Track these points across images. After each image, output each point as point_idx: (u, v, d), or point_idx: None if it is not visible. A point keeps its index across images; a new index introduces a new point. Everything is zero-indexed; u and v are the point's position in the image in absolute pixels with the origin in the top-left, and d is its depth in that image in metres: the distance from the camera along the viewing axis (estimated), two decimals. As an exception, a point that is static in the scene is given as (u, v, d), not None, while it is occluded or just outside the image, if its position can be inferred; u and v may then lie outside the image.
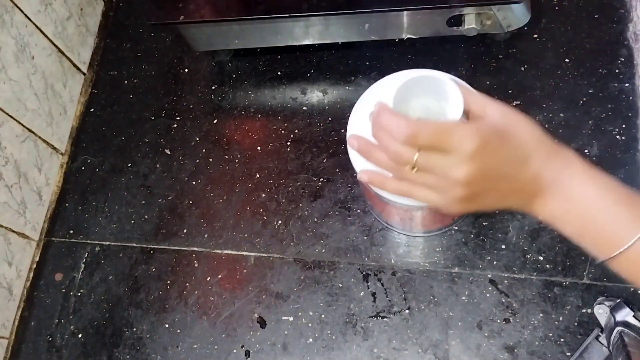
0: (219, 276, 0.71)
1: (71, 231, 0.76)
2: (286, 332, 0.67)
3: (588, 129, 0.70)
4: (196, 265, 0.72)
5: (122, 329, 0.70)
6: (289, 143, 0.76)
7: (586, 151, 0.69)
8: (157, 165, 0.78)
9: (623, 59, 0.73)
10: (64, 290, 0.73)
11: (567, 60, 0.74)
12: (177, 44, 0.85)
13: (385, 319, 0.66)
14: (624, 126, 0.70)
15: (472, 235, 0.68)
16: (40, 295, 0.73)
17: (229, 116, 0.79)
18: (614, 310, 0.58)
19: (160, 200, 0.76)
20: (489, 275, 0.66)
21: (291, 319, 0.67)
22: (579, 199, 0.41)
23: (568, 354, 0.61)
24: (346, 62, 0.79)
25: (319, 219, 0.71)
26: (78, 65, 0.83)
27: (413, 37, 0.71)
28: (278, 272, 0.70)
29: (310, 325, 0.67)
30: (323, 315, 0.67)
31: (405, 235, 0.69)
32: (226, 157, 0.77)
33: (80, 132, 0.82)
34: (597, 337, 0.59)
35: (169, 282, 0.71)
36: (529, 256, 0.66)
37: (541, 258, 0.65)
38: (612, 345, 0.56)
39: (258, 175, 0.75)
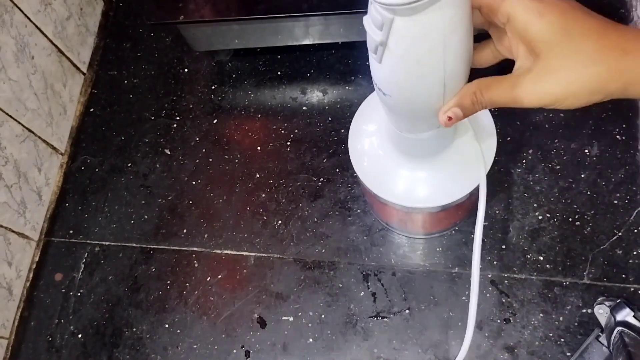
0: (219, 276, 0.71)
1: (71, 231, 0.76)
2: (286, 332, 0.67)
3: (588, 129, 0.70)
4: (196, 265, 0.72)
5: (122, 329, 0.70)
6: (289, 143, 0.76)
7: (586, 151, 0.69)
8: (157, 165, 0.78)
9: (623, 59, 0.73)
10: (63, 290, 0.73)
11: (567, 60, 0.74)
12: (177, 44, 0.85)
13: (385, 319, 0.66)
14: (624, 126, 0.70)
15: (472, 236, 0.67)
16: (40, 295, 0.73)
17: (229, 116, 0.79)
18: (614, 310, 0.58)
19: (160, 200, 0.76)
20: (489, 275, 0.66)
21: (291, 319, 0.67)
22: None
23: (568, 354, 0.61)
24: (346, 62, 0.79)
25: (319, 219, 0.71)
26: (78, 65, 0.83)
27: (413, 37, 0.70)
28: (278, 272, 0.70)
29: (310, 325, 0.67)
30: (323, 315, 0.67)
31: (405, 236, 0.69)
32: (226, 157, 0.77)
33: (80, 132, 0.82)
34: (597, 337, 0.59)
35: (169, 282, 0.71)
36: (529, 256, 0.66)
37: (541, 258, 0.65)
38: (612, 346, 0.56)
39: (258, 175, 0.75)
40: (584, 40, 0.32)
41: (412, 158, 0.53)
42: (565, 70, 0.33)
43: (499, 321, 0.64)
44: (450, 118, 0.39)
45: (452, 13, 0.33)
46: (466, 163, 0.53)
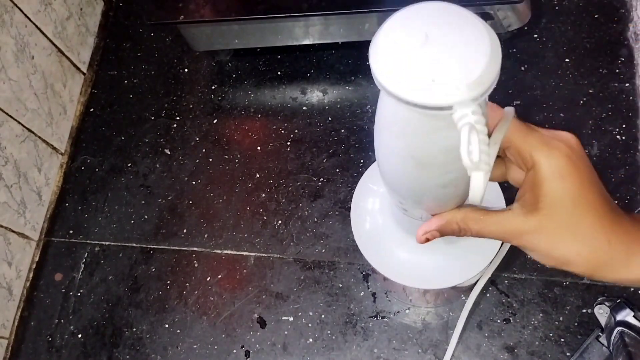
0: (219, 276, 0.71)
1: (71, 231, 0.76)
2: (286, 332, 0.67)
3: (588, 129, 0.70)
4: (196, 265, 0.72)
5: (122, 329, 0.70)
6: (289, 143, 0.76)
7: (586, 151, 0.69)
8: (157, 165, 0.78)
9: (623, 59, 0.73)
10: (63, 290, 0.73)
11: (567, 60, 0.74)
12: (177, 44, 0.85)
13: (385, 319, 0.66)
14: (624, 126, 0.70)
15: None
16: (40, 295, 0.73)
17: (229, 116, 0.79)
18: (614, 310, 0.58)
19: (160, 200, 0.76)
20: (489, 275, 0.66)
21: (291, 319, 0.67)
22: None
23: (568, 354, 0.61)
24: (346, 62, 0.79)
25: (319, 219, 0.71)
26: (78, 65, 0.83)
27: (413, 37, 0.70)
28: (278, 272, 0.70)
29: (310, 325, 0.67)
30: (323, 315, 0.67)
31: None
32: (226, 157, 0.77)
33: (80, 132, 0.82)
34: (597, 337, 0.59)
35: (168, 282, 0.71)
36: (529, 256, 0.65)
37: (541, 258, 0.65)
38: (612, 346, 0.56)
39: (258, 175, 0.75)
40: (586, 216, 0.34)
41: (414, 237, 0.50)
42: (560, 236, 0.34)
43: (499, 321, 0.64)
44: (427, 239, 0.39)
45: (402, 144, 0.32)
46: (475, 243, 0.49)
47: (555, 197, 0.34)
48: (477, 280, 0.55)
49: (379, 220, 0.51)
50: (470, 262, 0.50)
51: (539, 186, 0.34)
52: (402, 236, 0.50)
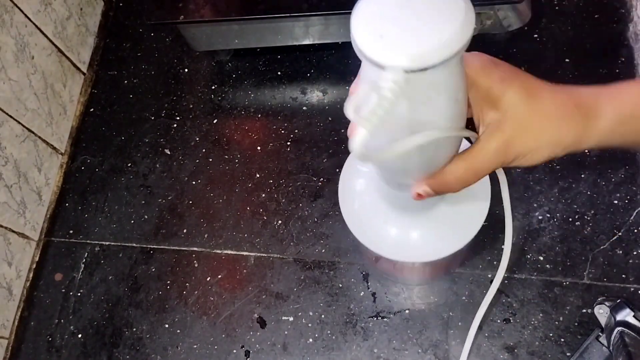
0: (219, 276, 0.71)
1: (71, 231, 0.76)
2: (286, 332, 0.67)
3: (588, 129, 0.70)
4: (196, 265, 0.72)
5: (122, 329, 0.70)
6: (289, 143, 0.76)
7: (586, 151, 0.69)
8: (157, 165, 0.78)
9: (623, 59, 0.73)
10: (63, 290, 0.73)
11: (567, 60, 0.74)
12: (177, 44, 0.85)
13: (385, 319, 0.66)
14: (624, 126, 0.70)
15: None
16: (40, 295, 0.73)
17: (229, 116, 0.79)
18: (614, 310, 0.58)
19: (160, 200, 0.76)
20: (489, 275, 0.66)
21: (291, 319, 0.67)
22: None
23: (568, 354, 0.61)
24: (346, 62, 0.79)
25: (319, 219, 0.71)
26: (78, 65, 0.83)
27: (413, 37, 0.70)
28: (278, 272, 0.70)
29: (310, 325, 0.67)
30: (323, 315, 0.67)
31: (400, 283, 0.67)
32: (226, 157, 0.77)
33: (80, 132, 0.82)
34: (597, 337, 0.59)
35: (168, 282, 0.71)
36: (529, 256, 0.66)
37: (541, 258, 0.65)
38: (612, 346, 0.56)
39: (258, 175, 0.75)
40: (542, 100, 0.36)
41: (404, 211, 0.50)
42: (532, 126, 0.36)
43: (499, 321, 0.64)
44: (419, 195, 0.39)
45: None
46: (461, 215, 0.50)
47: (510, 100, 0.35)
48: (489, 289, 0.55)
49: (366, 199, 0.52)
50: (457, 234, 0.51)
51: (488, 97, 0.35)
52: (390, 211, 0.51)
